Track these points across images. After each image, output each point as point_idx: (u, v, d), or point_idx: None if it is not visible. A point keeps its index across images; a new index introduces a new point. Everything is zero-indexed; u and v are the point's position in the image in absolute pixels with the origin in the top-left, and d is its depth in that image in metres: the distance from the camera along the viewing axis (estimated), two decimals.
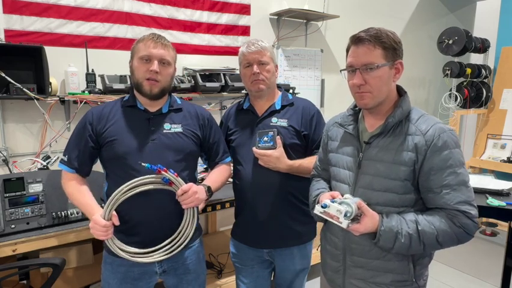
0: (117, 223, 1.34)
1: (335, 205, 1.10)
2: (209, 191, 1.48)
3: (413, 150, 1.14)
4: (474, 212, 1.12)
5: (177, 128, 1.49)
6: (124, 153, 1.41)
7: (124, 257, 1.35)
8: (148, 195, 1.38)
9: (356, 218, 1.12)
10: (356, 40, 1.16)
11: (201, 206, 1.91)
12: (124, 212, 1.38)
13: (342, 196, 1.20)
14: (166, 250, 1.40)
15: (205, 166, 2.01)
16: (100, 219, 1.31)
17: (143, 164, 1.33)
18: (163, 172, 1.34)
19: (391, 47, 1.14)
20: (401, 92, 1.25)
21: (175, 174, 1.37)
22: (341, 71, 1.25)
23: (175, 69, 1.53)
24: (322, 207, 1.12)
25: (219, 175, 1.60)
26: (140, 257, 1.37)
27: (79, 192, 1.46)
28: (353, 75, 1.18)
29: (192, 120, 1.55)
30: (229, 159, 1.69)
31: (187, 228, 1.42)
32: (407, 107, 1.20)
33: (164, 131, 1.47)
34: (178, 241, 1.41)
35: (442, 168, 1.12)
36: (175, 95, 1.63)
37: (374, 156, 1.20)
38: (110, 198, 1.32)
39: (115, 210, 1.34)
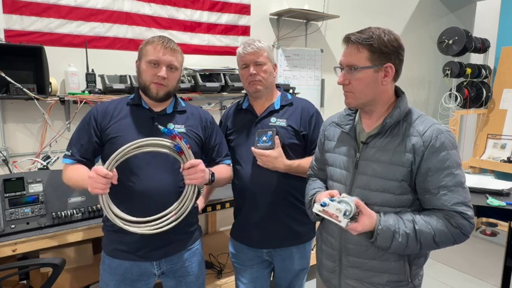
0: (115, 182, 1.28)
1: (334, 204, 1.10)
2: (212, 176, 1.47)
3: (410, 151, 1.14)
4: (470, 212, 1.13)
5: (180, 129, 1.50)
6: None
7: (115, 222, 1.29)
8: (151, 167, 1.38)
9: (353, 217, 1.11)
10: (345, 40, 1.18)
11: (200, 206, 1.93)
12: (121, 183, 1.33)
13: (341, 195, 1.20)
14: (157, 224, 1.34)
15: None
16: (101, 168, 1.25)
17: (159, 126, 1.31)
18: (177, 139, 1.31)
19: (378, 50, 1.13)
20: (398, 92, 1.25)
21: (188, 145, 1.35)
22: (334, 68, 1.27)
23: (181, 72, 1.54)
24: (321, 205, 1.12)
25: (221, 170, 1.59)
26: (129, 225, 1.31)
27: (76, 170, 1.42)
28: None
29: (194, 122, 1.56)
30: (229, 161, 1.69)
31: (183, 205, 1.38)
32: (405, 108, 1.20)
33: None
34: (171, 217, 1.36)
35: (440, 169, 1.12)
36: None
37: (371, 157, 1.20)
38: (118, 151, 1.26)
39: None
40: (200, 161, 1.37)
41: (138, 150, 1.30)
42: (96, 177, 1.24)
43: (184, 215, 1.38)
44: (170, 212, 1.36)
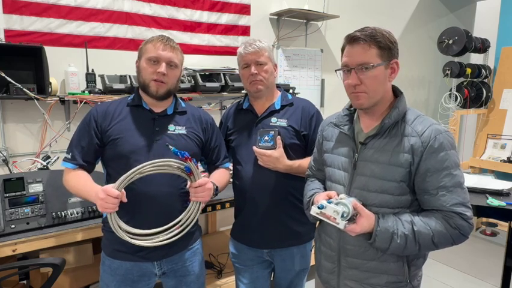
0: (125, 200, 1.29)
1: (331, 206, 1.10)
2: (216, 190, 1.48)
3: (409, 152, 1.14)
4: (469, 213, 1.12)
5: (181, 130, 1.50)
6: (128, 152, 1.40)
7: (122, 237, 1.31)
8: (155, 185, 1.39)
9: (352, 219, 1.11)
10: (351, 39, 1.15)
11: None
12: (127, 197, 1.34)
13: (338, 196, 1.20)
14: (162, 236, 1.36)
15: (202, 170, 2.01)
16: (113, 189, 1.25)
17: (170, 146, 1.32)
18: (188, 161, 1.32)
19: (386, 47, 1.13)
20: (397, 92, 1.24)
21: (196, 165, 1.36)
22: (336, 71, 1.25)
23: (181, 72, 1.54)
24: (318, 208, 1.11)
25: (221, 177, 1.60)
26: (137, 239, 1.33)
27: (79, 178, 1.42)
28: (348, 75, 1.18)
29: (195, 123, 1.56)
30: (228, 164, 1.69)
31: (188, 217, 1.40)
32: (403, 108, 1.20)
33: (169, 132, 1.47)
34: (176, 229, 1.38)
35: (438, 169, 1.12)
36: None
37: (369, 157, 1.20)
38: (129, 172, 1.27)
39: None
40: (207, 180, 1.39)
41: (149, 172, 1.31)
42: (106, 198, 1.25)
43: (189, 227, 1.41)
44: (176, 225, 1.39)
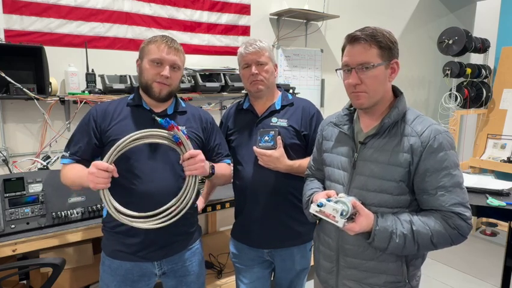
0: (116, 175, 1.28)
1: (331, 204, 1.10)
2: (212, 168, 1.47)
3: (408, 152, 1.14)
4: (468, 213, 1.12)
5: (181, 130, 1.49)
6: (128, 152, 1.40)
7: (118, 219, 1.28)
8: (153, 169, 1.38)
9: (351, 217, 1.11)
10: (352, 39, 1.15)
11: (200, 206, 1.93)
12: (123, 185, 1.34)
13: (337, 195, 1.20)
14: (160, 218, 1.34)
15: None
16: (102, 162, 1.24)
17: (157, 118, 1.31)
18: (175, 129, 1.31)
19: (387, 47, 1.14)
20: (396, 92, 1.25)
21: (186, 136, 1.35)
22: (336, 70, 1.25)
23: (182, 71, 1.54)
24: (318, 206, 1.12)
25: (220, 166, 1.59)
26: (133, 221, 1.30)
27: (74, 168, 1.42)
28: (348, 74, 1.18)
29: (195, 123, 1.55)
30: (229, 161, 1.69)
31: (185, 197, 1.37)
32: (403, 108, 1.20)
33: None
34: (173, 210, 1.35)
35: (438, 169, 1.12)
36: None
37: (369, 157, 1.20)
38: (117, 144, 1.27)
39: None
40: (199, 151, 1.37)
41: (137, 142, 1.30)
42: (97, 172, 1.24)
43: (188, 206, 1.38)
44: (173, 206, 1.36)
